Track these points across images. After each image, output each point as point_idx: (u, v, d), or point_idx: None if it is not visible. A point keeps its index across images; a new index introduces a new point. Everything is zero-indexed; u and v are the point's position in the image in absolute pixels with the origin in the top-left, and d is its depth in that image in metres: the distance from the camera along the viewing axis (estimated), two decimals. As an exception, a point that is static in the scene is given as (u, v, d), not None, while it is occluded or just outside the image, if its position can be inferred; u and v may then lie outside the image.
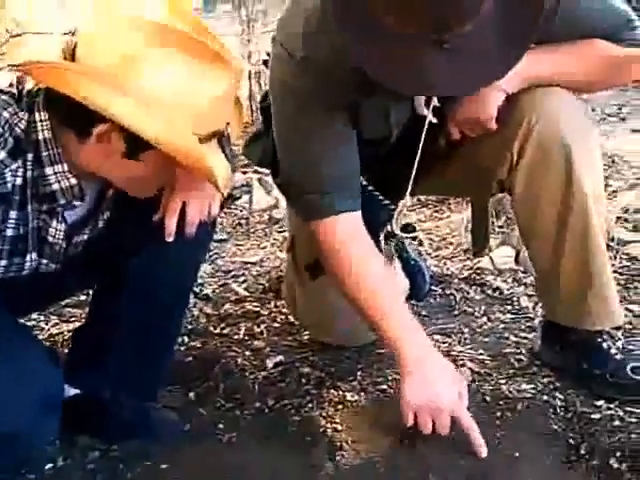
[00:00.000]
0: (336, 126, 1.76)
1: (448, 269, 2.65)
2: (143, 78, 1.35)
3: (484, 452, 1.69)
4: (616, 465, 1.66)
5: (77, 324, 2.32)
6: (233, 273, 2.67)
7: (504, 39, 1.46)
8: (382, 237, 2.01)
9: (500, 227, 2.90)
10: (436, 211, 3.08)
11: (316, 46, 1.67)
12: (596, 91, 2.06)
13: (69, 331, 2.29)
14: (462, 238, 2.84)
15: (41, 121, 1.42)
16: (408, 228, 2.01)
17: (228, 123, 1.47)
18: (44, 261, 1.59)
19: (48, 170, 1.45)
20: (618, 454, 1.68)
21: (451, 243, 2.84)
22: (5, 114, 1.40)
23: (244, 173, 3.44)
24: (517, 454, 1.71)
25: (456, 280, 2.56)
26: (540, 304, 2.15)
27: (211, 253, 2.75)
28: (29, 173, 1.44)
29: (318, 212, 1.82)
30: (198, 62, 1.38)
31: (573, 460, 1.69)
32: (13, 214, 1.46)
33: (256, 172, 3.47)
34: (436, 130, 1.84)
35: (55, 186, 1.46)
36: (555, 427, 1.80)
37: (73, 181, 1.47)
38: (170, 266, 1.74)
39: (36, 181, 1.45)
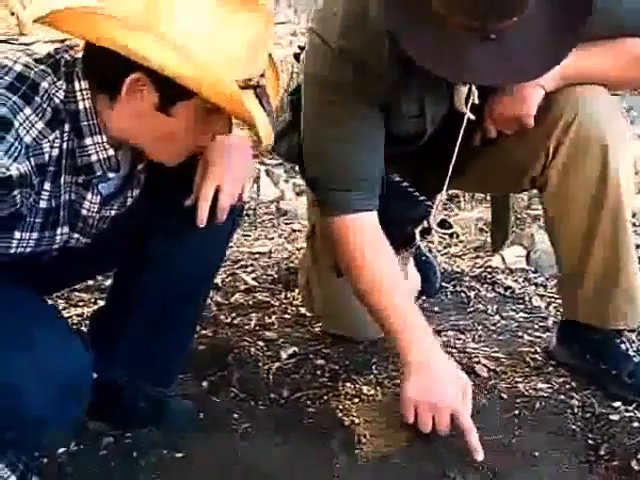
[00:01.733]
0: (367, 122, 1.75)
1: (458, 267, 2.63)
2: (174, 23, 1.32)
3: (480, 456, 1.67)
4: (637, 467, 1.65)
5: (85, 309, 2.30)
6: (242, 263, 2.64)
7: (553, 32, 1.45)
8: (417, 234, 2.00)
9: (510, 227, 2.89)
10: (445, 209, 3.05)
11: (354, 36, 1.66)
12: (627, 88, 2.05)
13: (78, 315, 2.26)
14: (472, 236, 2.83)
15: (80, 90, 1.39)
16: (445, 224, 2.00)
17: (263, 75, 1.43)
18: (75, 235, 1.56)
19: (87, 140, 1.42)
20: (639, 456, 1.67)
21: (461, 241, 2.82)
22: (44, 84, 1.37)
23: (251, 163, 3.42)
24: (536, 453, 1.70)
25: (467, 278, 2.54)
26: (561, 301, 2.13)
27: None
28: (65, 144, 1.41)
29: (339, 208, 1.81)
30: (226, 6, 1.35)
31: (592, 461, 1.69)
32: (47, 186, 1.43)
33: (262, 163, 3.45)
34: (472, 127, 1.83)
35: (94, 157, 1.44)
36: (574, 427, 1.79)
37: (111, 152, 1.45)
38: (195, 250, 1.70)
39: (73, 152, 1.43)
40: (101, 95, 1.40)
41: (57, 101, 1.37)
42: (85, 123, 1.41)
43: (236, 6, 1.36)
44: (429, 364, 1.72)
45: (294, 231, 2.90)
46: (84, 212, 1.52)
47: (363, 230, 1.82)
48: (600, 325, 1.91)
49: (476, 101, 1.75)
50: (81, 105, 1.39)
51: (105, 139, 1.43)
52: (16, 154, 1.32)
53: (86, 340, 1.65)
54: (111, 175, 1.50)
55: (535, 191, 2.00)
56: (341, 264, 1.89)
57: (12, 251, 1.48)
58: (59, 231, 1.52)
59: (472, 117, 1.76)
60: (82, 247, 1.61)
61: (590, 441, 1.74)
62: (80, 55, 1.40)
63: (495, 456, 1.68)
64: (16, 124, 1.32)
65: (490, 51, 1.43)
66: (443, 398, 1.69)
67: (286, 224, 2.98)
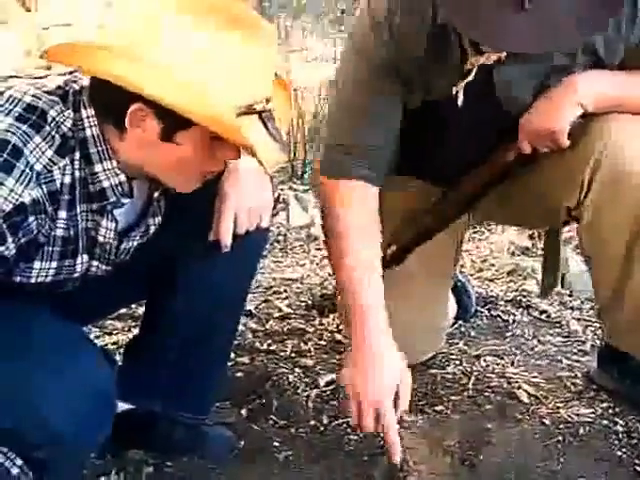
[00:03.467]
0: (384, 99, 1.78)
1: (492, 291, 2.61)
2: (170, 52, 1.33)
3: (396, 458, 1.64)
4: (686, 493, 1.62)
5: (120, 337, 2.30)
6: (274, 289, 2.64)
7: (592, 3, 1.46)
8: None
9: (542, 250, 2.87)
10: (475, 232, 3.05)
11: (396, 7, 1.71)
12: None
13: (113, 343, 2.26)
14: (504, 260, 2.82)
15: (87, 117, 1.41)
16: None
17: (268, 100, 1.41)
18: (94, 263, 1.56)
19: (97, 167, 1.43)
20: (688, 482, 1.65)
21: (493, 265, 2.81)
22: (52, 112, 1.38)
23: (281, 190, 3.43)
24: (583, 480, 1.68)
25: (502, 302, 2.53)
26: (599, 326, 2.11)
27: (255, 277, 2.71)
28: (77, 173, 1.42)
29: (334, 169, 1.83)
30: (225, 30, 1.34)
31: (641, 487, 1.66)
32: (62, 214, 1.44)
33: (292, 189, 3.46)
34: (506, 144, 1.83)
35: (105, 183, 1.45)
36: (619, 453, 1.77)
37: (122, 177, 1.45)
38: (225, 275, 1.69)
39: (85, 180, 1.44)
40: (109, 125, 1.41)
41: (65, 129, 1.39)
42: (94, 150, 1.42)
43: (235, 30, 1.35)
44: (365, 353, 1.69)
45: (325, 257, 2.88)
46: (100, 239, 1.53)
47: (352, 197, 1.80)
48: (638, 355, 1.89)
49: (469, 79, 1.73)
50: (88, 132, 1.41)
51: (115, 165, 1.43)
52: (27, 181, 1.34)
53: (111, 358, 1.63)
54: (125, 201, 1.50)
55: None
56: (323, 225, 1.87)
57: (32, 281, 1.49)
58: (79, 260, 1.52)
59: (460, 99, 1.74)
60: (108, 277, 1.62)
61: (637, 467, 1.71)
62: (86, 83, 1.42)
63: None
64: (26, 152, 1.34)
65: (526, 20, 1.44)
66: (365, 394, 1.65)
67: (317, 250, 2.97)
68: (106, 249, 1.56)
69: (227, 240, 1.58)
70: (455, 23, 1.57)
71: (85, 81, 1.43)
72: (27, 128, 1.35)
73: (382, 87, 1.78)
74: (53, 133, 1.37)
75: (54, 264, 1.50)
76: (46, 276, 1.50)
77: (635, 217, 1.74)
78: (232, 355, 2.15)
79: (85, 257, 1.53)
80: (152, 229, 1.63)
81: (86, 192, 1.45)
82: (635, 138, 1.74)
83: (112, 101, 1.37)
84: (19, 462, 1.47)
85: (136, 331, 2.23)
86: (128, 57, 1.33)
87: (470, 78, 1.73)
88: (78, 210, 1.46)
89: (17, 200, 1.33)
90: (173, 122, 1.36)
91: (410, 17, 1.72)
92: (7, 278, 1.45)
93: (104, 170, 1.44)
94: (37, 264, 1.47)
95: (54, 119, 1.38)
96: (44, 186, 1.37)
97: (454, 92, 1.76)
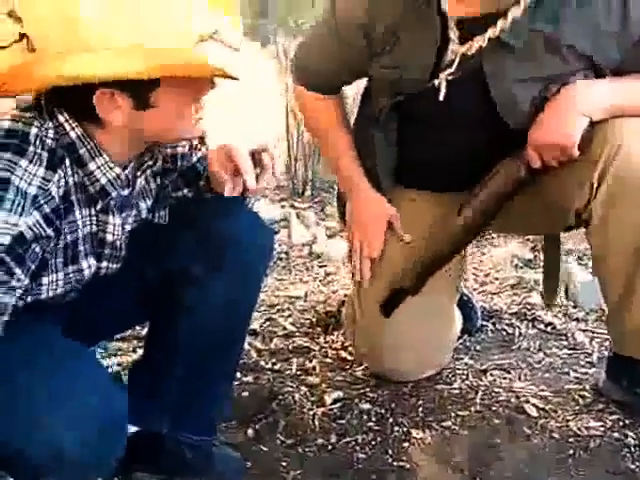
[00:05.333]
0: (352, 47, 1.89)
1: (496, 304, 2.60)
2: (95, 30, 1.31)
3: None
4: (701, 505, 1.61)
5: (124, 358, 2.28)
6: (278, 307, 2.62)
7: None
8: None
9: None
10: (477, 246, 3.03)
11: None
12: None
13: (118, 364, 2.24)
14: (507, 273, 2.81)
15: (66, 121, 1.40)
16: None
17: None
18: (104, 264, 1.56)
19: (92, 166, 1.43)
20: (702, 494, 1.63)
21: (496, 278, 2.79)
22: (33, 130, 1.38)
23: (282, 207, 3.42)
24: (595, 494, 1.66)
25: (506, 315, 2.51)
26: (608, 335, 2.10)
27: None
28: (71, 179, 1.42)
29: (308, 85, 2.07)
30: None
31: (654, 500, 1.64)
32: (64, 224, 1.44)
33: (293, 207, 3.45)
34: (510, 159, 1.84)
35: (103, 180, 1.45)
36: (632, 466, 1.75)
37: (117, 170, 1.45)
38: (228, 293, 1.67)
39: (83, 184, 1.44)
40: (87, 123, 1.41)
41: (49, 142, 1.38)
42: (83, 150, 1.42)
43: None
44: (360, 193, 2.07)
45: (328, 274, 2.88)
46: (109, 238, 1.53)
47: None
48: None
49: (451, 70, 1.77)
50: (72, 135, 1.40)
51: (107, 159, 1.44)
52: (21, 209, 1.32)
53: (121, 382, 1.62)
54: (125, 192, 1.50)
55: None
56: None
57: (44, 296, 1.49)
58: (85, 264, 1.52)
59: (442, 91, 1.78)
60: (111, 299, 1.62)
61: (650, 480, 1.70)
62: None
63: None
64: (15, 180, 1.32)
65: None
66: (364, 225, 2.06)
67: (320, 267, 2.96)
68: (116, 246, 1.56)
69: (253, 182, 1.59)
70: None
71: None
72: (11, 155, 1.34)
73: (350, 40, 1.88)
74: (39, 151, 1.36)
75: (61, 275, 1.49)
76: (56, 288, 1.50)
77: None
78: (237, 374, 2.14)
79: (92, 261, 1.53)
80: (144, 213, 1.62)
81: (86, 195, 1.45)
82: None
83: (78, 100, 1.37)
84: None
85: (141, 352, 2.23)
86: (63, 56, 1.32)
87: (452, 70, 1.76)
88: (78, 216, 1.46)
89: (14, 231, 1.31)
90: (140, 89, 1.36)
91: None
92: (20, 299, 1.43)
93: (99, 167, 1.44)
94: (45, 279, 1.47)
95: (37, 136, 1.37)
96: (45, 206, 1.36)
97: (436, 83, 1.79)
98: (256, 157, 1.63)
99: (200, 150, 1.71)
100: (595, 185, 1.76)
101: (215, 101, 1.53)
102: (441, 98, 1.79)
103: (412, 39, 1.79)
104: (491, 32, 1.70)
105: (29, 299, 1.46)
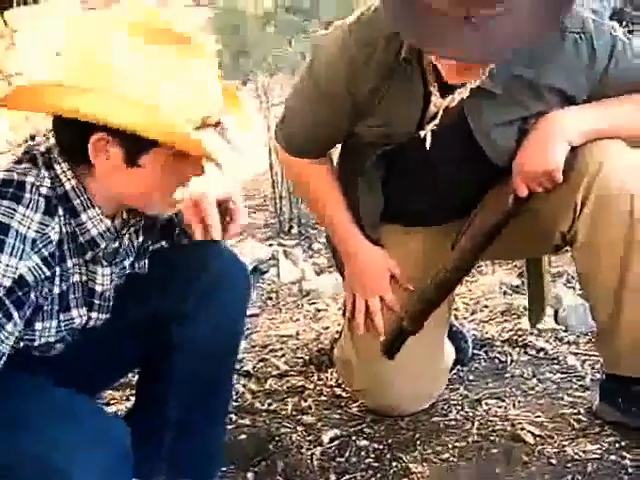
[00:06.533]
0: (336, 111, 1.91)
1: (487, 332, 2.61)
2: (115, 78, 1.38)
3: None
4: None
5: (118, 406, 2.28)
6: (270, 347, 2.63)
7: (534, 20, 1.57)
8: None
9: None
10: (474, 265, 3.04)
11: (360, 31, 1.82)
12: None
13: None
14: (497, 300, 2.82)
15: (63, 172, 1.45)
16: None
17: (222, 111, 1.48)
18: (93, 315, 1.59)
19: (83, 217, 1.47)
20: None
21: (486, 306, 2.80)
22: (29, 179, 1.42)
23: (270, 246, 3.43)
24: (597, 518, 1.67)
25: (498, 343, 2.52)
26: (600, 357, 2.12)
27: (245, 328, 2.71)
28: (64, 228, 1.46)
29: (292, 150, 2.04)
30: (164, 53, 1.40)
31: (654, 522, 1.65)
32: (57, 270, 1.47)
33: (280, 245, 3.46)
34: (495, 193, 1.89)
35: (93, 231, 1.49)
36: (630, 488, 1.76)
37: (108, 222, 1.50)
38: (218, 326, 1.70)
39: (74, 233, 1.48)
40: (80, 167, 1.45)
41: (45, 191, 1.42)
42: (77, 201, 1.46)
43: (173, 50, 1.41)
44: (358, 255, 2.07)
45: (319, 311, 2.89)
46: (99, 288, 1.56)
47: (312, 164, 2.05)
48: None
49: (436, 122, 1.81)
50: (67, 185, 1.45)
51: (98, 211, 1.48)
52: (21, 253, 1.37)
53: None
54: (113, 245, 1.54)
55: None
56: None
57: (37, 343, 1.52)
58: (75, 313, 1.55)
59: (428, 141, 1.83)
60: (103, 350, 1.65)
61: (649, 501, 1.71)
62: (52, 142, 1.47)
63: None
64: (14, 225, 1.37)
65: (471, 33, 1.52)
66: (369, 286, 2.04)
67: (310, 304, 2.97)
68: (105, 297, 1.59)
69: (218, 234, 1.64)
70: (402, 35, 1.68)
71: (49, 142, 1.48)
72: (8, 202, 1.38)
73: (336, 105, 1.89)
74: (35, 198, 1.41)
75: (54, 322, 1.52)
76: (49, 335, 1.53)
77: (626, 227, 1.80)
78: (233, 417, 2.15)
79: (83, 310, 1.56)
80: (128, 269, 1.65)
81: (76, 245, 1.49)
82: (623, 155, 1.83)
83: (75, 139, 1.41)
84: None
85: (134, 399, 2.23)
86: (77, 89, 1.38)
87: (436, 122, 1.81)
88: (69, 265, 1.49)
89: (15, 273, 1.36)
90: (134, 146, 1.41)
91: (362, 49, 1.80)
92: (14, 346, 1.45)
93: (90, 218, 1.48)
94: (38, 325, 1.50)
95: (33, 184, 1.41)
96: (43, 250, 1.41)
97: (422, 135, 1.83)
98: (222, 206, 1.66)
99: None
100: (579, 207, 1.82)
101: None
102: (427, 148, 1.84)
103: (396, 97, 1.83)
104: (472, 84, 1.76)
105: (21, 344, 1.49)
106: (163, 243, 1.75)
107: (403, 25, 1.62)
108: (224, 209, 1.69)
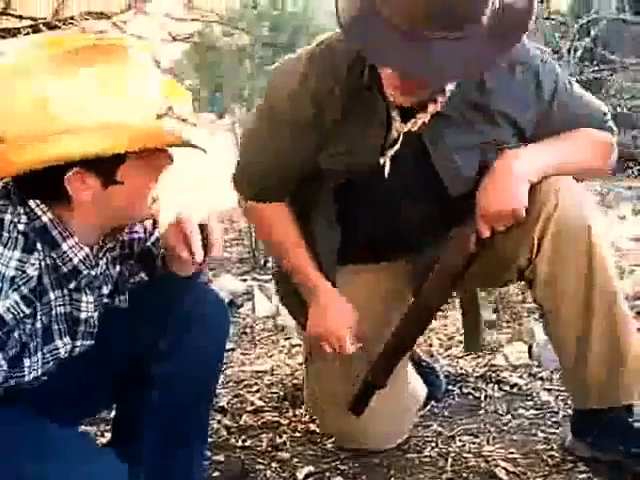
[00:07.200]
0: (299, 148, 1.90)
1: (462, 368, 2.63)
2: (59, 113, 1.39)
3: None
4: None
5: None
6: (245, 382, 2.62)
7: (489, 43, 1.61)
8: None
9: (507, 322, 2.91)
10: (440, 310, 3.06)
11: (319, 63, 1.84)
12: (591, 176, 2.13)
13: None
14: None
15: (38, 206, 1.46)
16: None
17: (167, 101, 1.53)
18: (78, 343, 1.60)
19: (64, 246, 1.49)
20: None
21: (461, 342, 2.80)
22: (7, 216, 1.43)
23: (244, 281, 3.44)
24: None
25: (472, 379, 2.54)
26: (568, 393, 2.14)
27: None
28: (44, 262, 1.46)
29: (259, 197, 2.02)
30: (87, 61, 1.42)
31: None
32: (38, 306, 1.48)
33: (255, 279, 3.47)
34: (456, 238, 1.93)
35: (75, 260, 1.50)
36: (602, 525, 1.77)
37: (86, 249, 1.51)
38: (196, 360, 1.70)
39: (55, 265, 1.49)
40: (57, 206, 1.46)
41: (22, 227, 1.43)
42: (55, 232, 1.47)
43: (106, 59, 1.44)
44: (325, 300, 2.02)
45: (293, 346, 2.88)
46: (83, 315, 1.58)
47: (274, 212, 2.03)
48: (612, 405, 1.93)
49: (396, 148, 1.84)
50: (45, 218, 1.46)
51: (77, 240, 1.49)
52: None
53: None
54: (93, 272, 1.55)
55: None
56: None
57: (26, 379, 1.53)
58: (60, 343, 1.56)
59: (387, 169, 1.86)
60: (76, 387, 1.65)
61: (620, 538, 1.72)
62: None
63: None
64: None
65: (419, 51, 1.58)
66: (329, 328, 1.99)
67: (285, 339, 2.97)
68: (90, 324, 1.60)
69: (200, 258, 1.61)
70: (368, 55, 1.70)
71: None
72: None
73: (296, 137, 1.88)
74: (14, 235, 1.41)
75: (39, 355, 1.53)
76: (37, 369, 1.54)
77: (586, 258, 1.85)
78: (208, 453, 2.13)
79: (67, 339, 1.57)
80: (105, 298, 1.65)
81: (58, 276, 1.50)
82: (576, 191, 1.89)
83: (47, 184, 1.43)
84: None
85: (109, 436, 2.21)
86: (32, 141, 1.38)
87: (397, 147, 1.84)
88: (51, 297, 1.50)
89: None
90: (106, 166, 1.43)
91: (325, 79, 1.82)
92: (4, 384, 1.47)
93: (70, 247, 1.49)
94: (27, 362, 1.51)
95: (11, 221, 1.42)
96: (23, 287, 1.41)
97: (381, 162, 1.86)
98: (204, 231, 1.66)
99: (153, 234, 1.74)
100: (536, 243, 1.87)
101: (171, 173, 1.58)
102: (386, 175, 1.86)
103: (358, 124, 1.85)
104: (432, 108, 1.80)
105: (13, 382, 1.50)
106: (142, 275, 1.75)
107: (357, 36, 1.65)
108: (204, 233, 1.67)
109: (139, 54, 1.50)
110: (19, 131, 1.41)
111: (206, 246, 1.61)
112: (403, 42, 1.58)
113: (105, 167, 1.43)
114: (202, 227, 1.62)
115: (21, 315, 1.42)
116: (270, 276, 3.46)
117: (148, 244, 1.73)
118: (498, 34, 1.61)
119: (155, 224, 1.73)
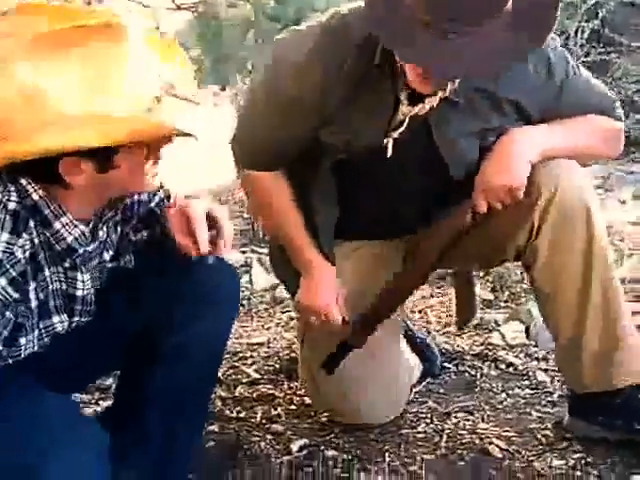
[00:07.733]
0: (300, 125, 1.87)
1: (459, 345, 2.62)
2: (52, 102, 1.34)
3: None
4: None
5: (86, 410, 2.26)
6: (241, 355, 2.62)
7: (511, 41, 1.59)
8: None
9: (505, 302, 2.90)
10: (438, 287, 3.07)
11: (329, 43, 1.80)
12: (594, 160, 2.14)
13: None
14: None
15: (29, 184, 1.42)
16: None
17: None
18: (75, 319, 1.59)
19: (57, 225, 1.45)
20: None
21: (458, 319, 2.81)
22: None
23: (243, 252, 3.43)
24: (561, 534, 1.68)
25: (468, 357, 2.54)
26: (563, 376, 2.14)
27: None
28: (37, 239, 1.44)
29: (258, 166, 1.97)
30: (88, 49, 1.37)
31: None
32: (32, 285, 1.46)
33: (254, 252, 3.46)
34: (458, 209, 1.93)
35: (69, 238, 1.47)
36: (595, 504, 1.77)
37: (82, 227, 1.48)
38: (204, 335, 1.69)
39: (48, 242, 1.46)
40: (51, 186, 1.43)
41: (13, 205, 1.39)
42: (47, 211, 1.44)
43: (84, 41, 1.37)
44: (319, 280, 2.01)
45: (291, 319, 2.88)
46: (79, 293, 1.55)
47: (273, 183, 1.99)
48: (608, 389, 1.94)
49: (400, 130, 1.83)
50: (35, 196, 1.42)
51: (71, 217, 1.46)
52: None
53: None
54: (90, 248, 1.52)
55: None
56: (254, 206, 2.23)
57: (22, 356, 1.51)
58: (57, 319, 1.54)
59: (389, 150, 1.83)
60: (86, 349, 1.64)
61: (613, 518, 1.72)
62: None
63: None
64: None
65: (445, 48, 1.56)
66: (319, 302, 2.00)
67: (282, 312, 2.96)
68: (87, 301, 1.58)
69: (205, 249, 1.57)
70: (385, 42, 1.67)
71: None
72: None
73: (300, 110, 1.84)
74: (2, 216, 1.38)
75: (36, 333, 1.52)
76: (33, 346, 1.53)
77: (585, 240, 1.87)
78: (203, 424, 2.13)
79: (64, 316, 1.56)
80: (108, 262, 1.63)
81: (52, 254, 1.47)
82: (578, 174, 1.90)
83: (41, 167, 1.38)
84: None
85: (104, 403, 2.22)
86: (22, 133, 1.33)
87: (402, 129, 1.83)
88: (47, 274, 1.48)
89: None
90: (102, 154, 1.39)
91: (337, 54, 1.79)
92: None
93: (64, 226, 1.46)
94: (22, 340, 1.50)
95: (0, 201, 1.38)
96: (11, 270, 1.38)
97: (384, 142, 1.84)
98: (210, 218, 1.63)
99: (156, 195, 1.71)
100: (536, 225, 1.87)
101: (172, 148, 1.55)
102: (388, 156, 1.85)
103: (365, 104, 1.83)
104: (441, 93, 1.79)
105: (10, 361, 1.49)
106: (144, 233, 1.71)
107: (383, 29, 1.63)
108: (212, 222, 1.63)
109: (133, 32, 1.43)
110: (6, 124, 1.36)
111: (214, 238, 1.59)
112: (424, 34, 1.56)
113: (100, 155, 1.39)
114: (211, 219, 1.59)
115: (9, 299, 1.39)
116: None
117: (152, 205, 1.71)
118: (522, 29, 1.60)
119: (168, 198, 1.71)
